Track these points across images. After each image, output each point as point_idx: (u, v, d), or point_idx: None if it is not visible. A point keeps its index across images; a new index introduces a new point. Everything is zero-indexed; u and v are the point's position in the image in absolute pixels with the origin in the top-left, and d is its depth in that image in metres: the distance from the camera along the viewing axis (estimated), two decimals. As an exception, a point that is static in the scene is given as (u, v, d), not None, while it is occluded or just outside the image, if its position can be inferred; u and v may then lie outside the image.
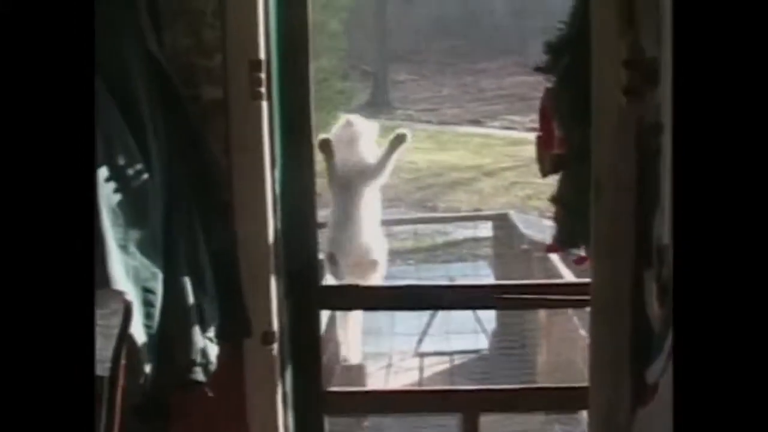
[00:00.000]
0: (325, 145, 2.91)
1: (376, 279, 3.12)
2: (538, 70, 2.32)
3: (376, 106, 19.22)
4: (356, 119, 3.08)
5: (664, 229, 1.73)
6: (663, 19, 1.51)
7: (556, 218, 2.42)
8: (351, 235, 3.00)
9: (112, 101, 1.93)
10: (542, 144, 2.42)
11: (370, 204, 3.05)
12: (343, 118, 3.12)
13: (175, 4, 2.25)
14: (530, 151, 2.42)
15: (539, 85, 2.39)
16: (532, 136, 2.46)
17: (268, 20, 2.27)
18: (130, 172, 1.93)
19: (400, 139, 2.96)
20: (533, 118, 2.55)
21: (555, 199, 2.40)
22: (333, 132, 3.04)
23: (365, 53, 21.19)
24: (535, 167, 2.51)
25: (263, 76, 2.23)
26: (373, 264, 3.08)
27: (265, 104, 2.26)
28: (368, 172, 2.98)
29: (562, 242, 2.46)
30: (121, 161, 1.91)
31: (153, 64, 2.09)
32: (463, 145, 18.76)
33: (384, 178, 3.02)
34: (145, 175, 1.95)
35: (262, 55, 2.23)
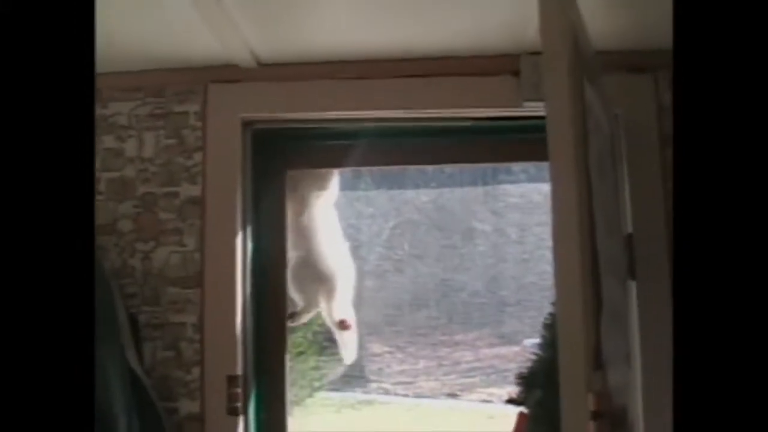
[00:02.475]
0: None
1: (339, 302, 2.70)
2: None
3: (352, 380, 19.07)
4: None
5: None
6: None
7: None
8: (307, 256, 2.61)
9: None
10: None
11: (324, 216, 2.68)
12: None
13: (157, 318, 2.31)
14: (507, 425, 2.42)
15: (515, 357, 2.37)
16: (508, 409, 2.45)
17: (246, 336, 2.33)
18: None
19: None
20: (510, 391, 2.54)
21: None
22: None
23: (340, 326, 21.25)
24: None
25: (240, 391, 2.25)
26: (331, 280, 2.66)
27: (241, 419, 2.27)
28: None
29: None
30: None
31: (131, 377, 2.12)
32: (439, 419, 18.48)
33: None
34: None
35: (240, 371, 2.27)
